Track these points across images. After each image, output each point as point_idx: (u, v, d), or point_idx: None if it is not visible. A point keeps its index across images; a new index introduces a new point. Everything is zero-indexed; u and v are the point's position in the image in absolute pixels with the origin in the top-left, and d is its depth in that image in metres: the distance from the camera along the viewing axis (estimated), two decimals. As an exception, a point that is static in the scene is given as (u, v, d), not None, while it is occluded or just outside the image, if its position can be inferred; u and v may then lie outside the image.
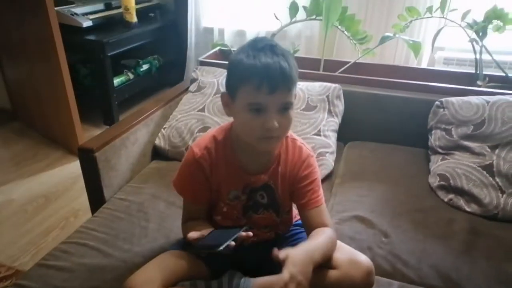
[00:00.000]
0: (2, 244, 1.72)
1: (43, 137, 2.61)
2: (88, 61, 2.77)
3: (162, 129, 1.54)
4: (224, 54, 2.11)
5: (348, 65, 1.87)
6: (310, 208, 0.93)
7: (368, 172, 1.47)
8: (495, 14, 1.81)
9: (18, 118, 2.83)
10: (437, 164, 1.39)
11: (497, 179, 1.26)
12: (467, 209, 1.26)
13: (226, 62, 0.91)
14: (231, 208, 0.98)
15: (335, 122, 1.55)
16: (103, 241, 1.11)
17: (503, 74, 1.74)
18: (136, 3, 2.90)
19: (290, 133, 1.01)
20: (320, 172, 1.38)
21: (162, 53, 3.14)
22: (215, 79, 1.65)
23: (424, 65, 2.40)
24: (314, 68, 1.87)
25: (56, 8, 2.48)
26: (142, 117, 1.46)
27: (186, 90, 1.70)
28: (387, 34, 1.93)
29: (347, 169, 1.51)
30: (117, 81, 2.76)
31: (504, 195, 1.23)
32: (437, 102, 1.48)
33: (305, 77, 1.69)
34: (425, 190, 1.37)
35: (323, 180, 1.43)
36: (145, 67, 2.98)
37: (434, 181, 1.36)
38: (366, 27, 2.19)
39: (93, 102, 2.75)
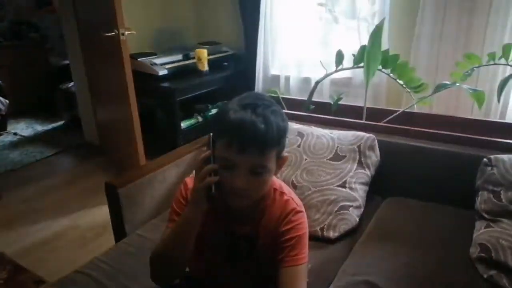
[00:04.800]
0: (58, 266, 1.91)
1: (118, 171, 2.90)
2: (163, 105, 3.06)
3: (193, 171, 1.60)
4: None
5: (395, 114, 1.75)
6: (284, 266, 0.86)
7: (399, 233, 1.31)
8: None
9: (103, 153, 3.21)
10: (480, 232, 1.19)
11: (552, 258, 1.02)
12: (510, 291, 1.03)
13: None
14: (214, 251, 0.96)
15: (366, 174, 1.44)
16: (107, 274, 1.17)
17: None
18: (212, 53, 3.17)
19: (280, 185, 0.97)
20: (337, 228, 1.28)
21: (232, 98, 3.32)
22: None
23: (508, 118, 2.10)
24: (358, 117, 1.79)
25: (139, 59, 2.86)
26: (172, 158, 1.55)
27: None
28: (444, 82, 1.77)
29: (376, 227, 1.37)
30: (186, 123, 2.99)
31: (561, 280, 0.99)
32: (484, 159, 1.28)
33: (341, 126, 1.63)
34: (463, 261, 1.16)
35: (345, 237, 1.33)
36: (213, 111, 3.17)
37: (474, 251, 1.15)
38: (424, 75, 2.04)
39: (165, 143, 3.00)
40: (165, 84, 2.79)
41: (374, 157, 1.48)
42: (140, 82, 2.79)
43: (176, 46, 3.28)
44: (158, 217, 1.47)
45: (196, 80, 2.90)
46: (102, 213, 2.38)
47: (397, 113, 1.77)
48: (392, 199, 1.52)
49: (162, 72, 2.83)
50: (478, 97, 1.70)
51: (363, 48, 1.77)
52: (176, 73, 2.94)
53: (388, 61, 1.82)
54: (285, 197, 0.94)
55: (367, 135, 1.49)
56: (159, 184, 1.49)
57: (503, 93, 1.71)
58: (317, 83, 1.97)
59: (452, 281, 1.09)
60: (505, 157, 1.25)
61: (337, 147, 1.47)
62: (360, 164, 1.44)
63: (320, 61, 1.96)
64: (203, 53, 2.94)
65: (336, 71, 1.89)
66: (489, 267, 1.10)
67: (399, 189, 1.54)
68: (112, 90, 2.63)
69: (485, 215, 1.21)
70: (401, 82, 1.87)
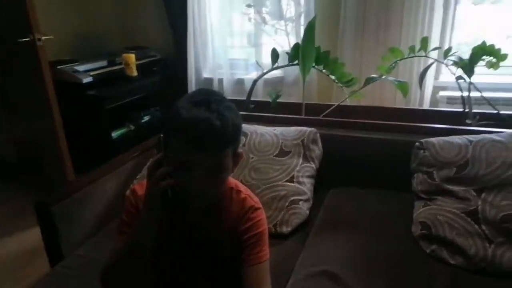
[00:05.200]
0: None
1: (43, 191, 2.64)
2: (90, 115, 2.85)
3: (134, 180, 1.51)
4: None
5: (331, 108, 1.82)
6: (248, 266, 0.84)
7: (348, 221, 1.36)
8: (483, 51, 1.74)
9: (23, 172, 2.90)
10: (419, 211, 1.27)
11: (483, 227, 1.13)
12: (451, 261, 1.12)
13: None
14: (174, 261, 0.91)
15: (311, 167, 1.48)
16: (48, 303, 1.05)
17: (495, 112, 1.63)
18: (140, 58, 3.03)
19: (236, 184, 0.95)
20: (290, 222, 1.29)
21: (165, 104, 3.21)
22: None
23: (425, 105, 2.30)
24: (297, 113, 1.83)
25: (59, 67, 2.63)
26: (110, 169, 1.44)
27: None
28: (372, 75, 1.89)
29: (325, 218, 1.40)
30: (117, 133, 2.82)
31: (492, 246, 1.09)
32: (417, 143, 1.38)
33: (283, 122, 1.65)
34: (408, 240, 1.24)
35: (297, 231, 1.34)
36: (146, 118, 3.04)
37: (416, 230, 1.24)
38: (351, 70, 2.16)
39: (94, 155, 2.79)
40: (91, 92, 2.60)
41: (317, 150, 1.52)
42: (62, 92, 2.57)
43: (99, 52, 3.08)
44: (100, 234, 1.35)
45: (125, 87, 2.75)
46: (27, 238, 2.15)
47: (333, 107, 1.85)
48: (336, 190, 1.58)
49: (87, 79, 2.63)
50: (403, 87, 1.84)
51: (296, 46, 1.81)
52: (103, 80, 2.74)
53: (321, 57, 1.89)
54: (242, 195, 0.91)
55: (309, 129, 1.53)
56: (97, 198, 1.38)
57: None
58: (255, 81, 1.98)
59: (400, 259, 1.16)
60: (434, 140, 1.35)
61: (282, 143, 1.48)
62: (305, 158, 1.47)
63: (256, 61, 1.97)
64: (131, 58, 2.80)
65: (273, 69, 1.92)
66: (430, 242, 1.18)
67: (342, 179, 1.59)
68: (31, 102, 2.40)
69: (422, 195, 1.31)
70: (333, 77, 1.95)
